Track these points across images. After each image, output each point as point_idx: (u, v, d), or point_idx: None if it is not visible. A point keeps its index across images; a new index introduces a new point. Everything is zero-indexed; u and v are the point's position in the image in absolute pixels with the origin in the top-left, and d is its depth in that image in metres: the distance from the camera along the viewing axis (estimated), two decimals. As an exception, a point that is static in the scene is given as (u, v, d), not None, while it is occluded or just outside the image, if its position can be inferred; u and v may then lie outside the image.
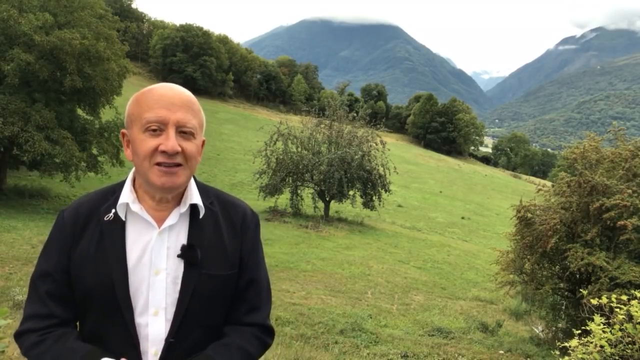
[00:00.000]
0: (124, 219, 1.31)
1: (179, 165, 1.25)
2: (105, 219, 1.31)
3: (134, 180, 1.35)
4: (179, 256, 1.30)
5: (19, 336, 1.31)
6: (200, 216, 1.35)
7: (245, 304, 1.41)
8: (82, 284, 1.28)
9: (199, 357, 1.28)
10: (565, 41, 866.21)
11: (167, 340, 1.28)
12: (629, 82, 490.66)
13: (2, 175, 17.99)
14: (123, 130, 1.33)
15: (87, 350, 1.24)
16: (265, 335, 1.42)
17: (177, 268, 1.30)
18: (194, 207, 1.35)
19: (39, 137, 15.48)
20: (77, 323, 1.37)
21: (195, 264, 1.30)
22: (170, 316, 1.29)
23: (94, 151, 18.28)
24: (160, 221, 1.31)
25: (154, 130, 1.24)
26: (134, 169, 1.35)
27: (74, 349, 1.24)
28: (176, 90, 1.29)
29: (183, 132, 1.26)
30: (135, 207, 1.30)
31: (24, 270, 8.90)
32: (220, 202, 1.42)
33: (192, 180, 1.38)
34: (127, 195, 1.31)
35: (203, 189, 1.40)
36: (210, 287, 1.32)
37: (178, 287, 1.29)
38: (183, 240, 1.32)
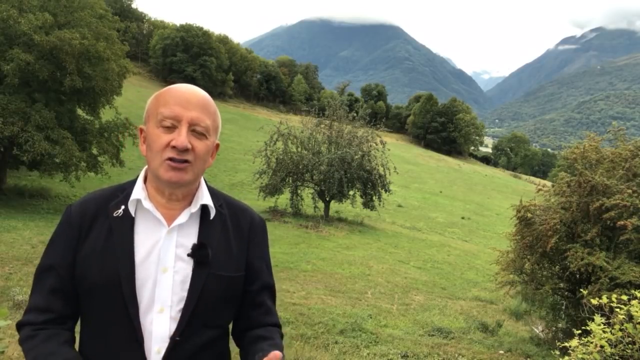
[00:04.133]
0: (133, 215, 1.33)
1: (187, 162, 1.27)
2: (114, 215, 1.32)
3: (145, 179, 1.38)
4: (189, 255, 1.31)
5: (19, 327, 1.32)
6: (211, 217, 1.37)
7: (262, 308, 1.46)
8: (88, 278, 1.29)
9: (270, 342, 1.36)
10: (565, 41, 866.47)
11: (172, 338, 1.29)
12: (629, 82, 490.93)
13: (2, 175, 17.98)
14: (141, 126, 1.37)
15: (67, 357, 1.24)
16: (281, 333, 1.49)
17: (187, 267, 1.31)
18: (204, 208, 1.38)
19: (39, 137, 15.48)
20: (77, 321, 1.37)
21: (205, 264, 1.31)
22: (175, 314, 1.29)
23: (94, 151, 18.27)
24: (169, 220, 1.33)
25: (168, 127, 1.27)
26: (145, 167, 1.38)
27: (55, 352, 1.24)
28: (194, 90, 1.33)
29: (196, 131, 1.29)
30: (147, 204, 1.32)
31: (24, 270, 8.90)
32: (229, 206, 1.44)
33: (203, 182, 1.41)
34: (139, 191, 1.34)
35: (213, 192, 1.43)
36: (217, 288, 1.33)
37: (186, 286, 1.30)
38: (193, 240, 1.33)
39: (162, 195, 1.34)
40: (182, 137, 1.25)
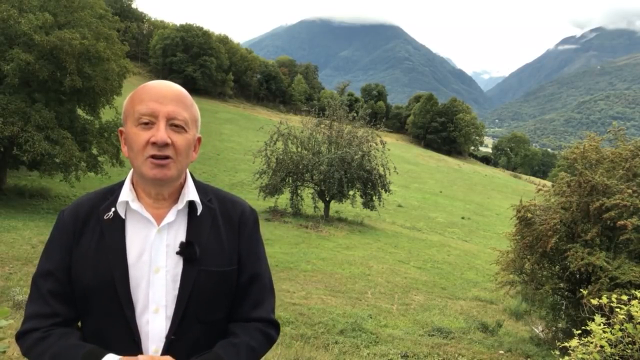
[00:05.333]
0: (123, 217, 1.32)
1: (169, 158, 1.27)
2: (105, 217, 1.32)
3: (133, 180, 1.37)
4: (177, 253, 1.31)
5: (20, 336, 1.31)
6: (198, 213, 1.36)
7: (249, 299, 1.42)
8: (83, 282, 1.29)
9: (207, 355, 1.29)
10: (565, 41, 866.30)
11: (167, 337, 1.29)
12: (629, 82, 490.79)
13: (2, 175, 17.98)
14: (120, 129, 1.37)
15: (90, 347, 1.25)
16: (271, 330, 1.44)
17: (177, 265, 1.31)
18: (191, 205, 1.37)
19: (39, 137, 15.48)
20: (79, 323, 1.38)
21: (194, 261, 1.31)
22: (171, 313, 1.30)
23: (94, 151, 18.27)
24: (159, 219, 1.33)
25: (146, 124, 1.27)
26: (132, 169, 1.37)
27: (77, 345, 1.26)
28: (167, 85, 1.33)
29: (174, 125, 1.28)
30: (135, 205, 1.32)
31: (24, 270, 8.90)
32: (219, 200, 1.43)
33: (190, 178, 1.40)
34: (126, 193, 1.33)
35: (201, 187, 1.42)
36: (209, 284, 1.33)
37: (177, 284, 1.30)
38: (182, 237, 1.33)
39: (149, 196, 1.34)
40: (161, 132, 1.25)
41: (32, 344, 1.28)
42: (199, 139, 1.40)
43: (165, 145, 1.25)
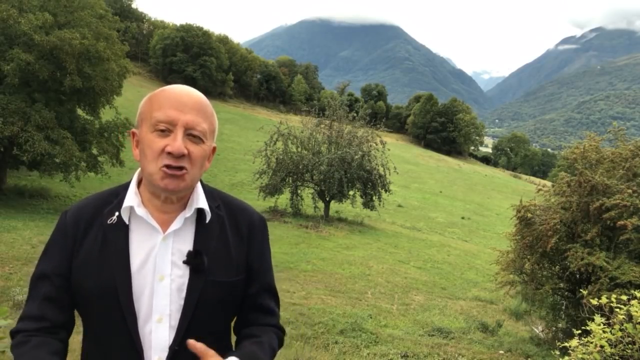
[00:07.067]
0: (127, 222, 1.28)
1: (183, 168, 1.22)
2: (108, 222, 1.28)
3: (138, 183, 1.33)
4: (185, 262, 1.27)
5: (12, 334, 1.29)
6: (207, 221, 1.32)
7: (261, 309, 1.42)
8: (84, 288, 1.26)
9: (242, 351, 1.29)
10: (565, 41, 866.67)
11: (171, 348, 1.25)
12: (629, 82, 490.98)
13: (2, 175, 17.98)
14: (133, 130, 1.32)
15: None
16: (282, 334, 1.46)
17: (183, 274, 1.27)
18: (200, 212, 1.32)
19: (39, 137, 15.48)
20: (71, 332, 1.35)
21: (202, 271, 1.27)
22: (175, 323, 1.25)
23: (94, 151, 18.28)
24: (165, 225, 1.29)
25: (162, 131, 1.21)
26: (138, 170, 1.33)
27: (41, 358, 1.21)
28: (189, 92, 1.27)
29: (192, 135, 1.23)
30: (141, 211, 1.27)
31: (24, 270, 8.90)
32: (227, 206, 1.39)
33: (199, 184, 1.36)
34: (131, 198, 1.28)
35: (209, 192, 1.38)
36: (216, 294, 1.29)
37: (183, 294, 1.26)
38: (189, 245, 1.29)
39: (158, 198, 1.29)
40: (177, 143, 1.19)
41: (14, 345, 1.26)
42: (214, 149, 1.35)
43: (181, 156, 1.21)
